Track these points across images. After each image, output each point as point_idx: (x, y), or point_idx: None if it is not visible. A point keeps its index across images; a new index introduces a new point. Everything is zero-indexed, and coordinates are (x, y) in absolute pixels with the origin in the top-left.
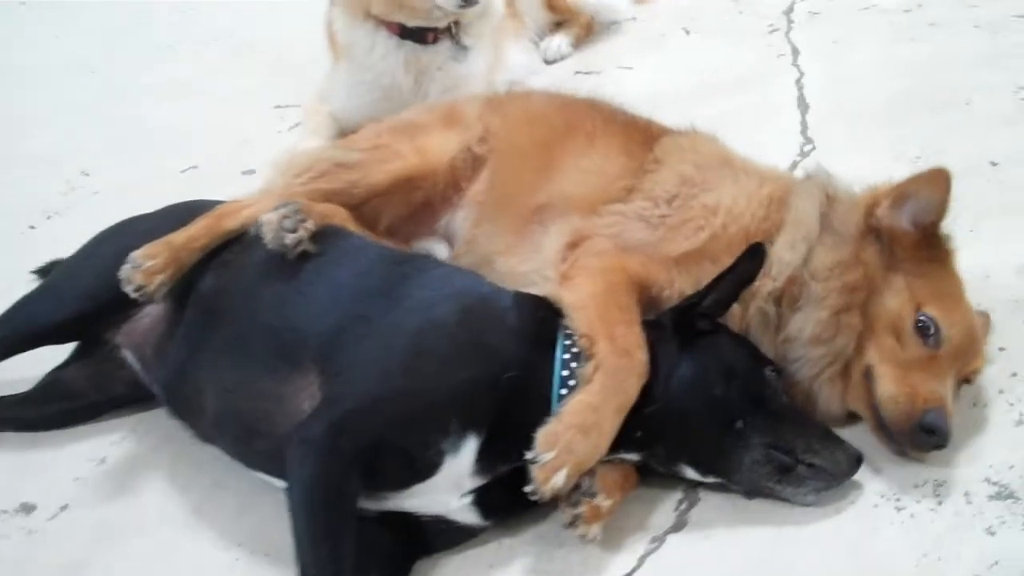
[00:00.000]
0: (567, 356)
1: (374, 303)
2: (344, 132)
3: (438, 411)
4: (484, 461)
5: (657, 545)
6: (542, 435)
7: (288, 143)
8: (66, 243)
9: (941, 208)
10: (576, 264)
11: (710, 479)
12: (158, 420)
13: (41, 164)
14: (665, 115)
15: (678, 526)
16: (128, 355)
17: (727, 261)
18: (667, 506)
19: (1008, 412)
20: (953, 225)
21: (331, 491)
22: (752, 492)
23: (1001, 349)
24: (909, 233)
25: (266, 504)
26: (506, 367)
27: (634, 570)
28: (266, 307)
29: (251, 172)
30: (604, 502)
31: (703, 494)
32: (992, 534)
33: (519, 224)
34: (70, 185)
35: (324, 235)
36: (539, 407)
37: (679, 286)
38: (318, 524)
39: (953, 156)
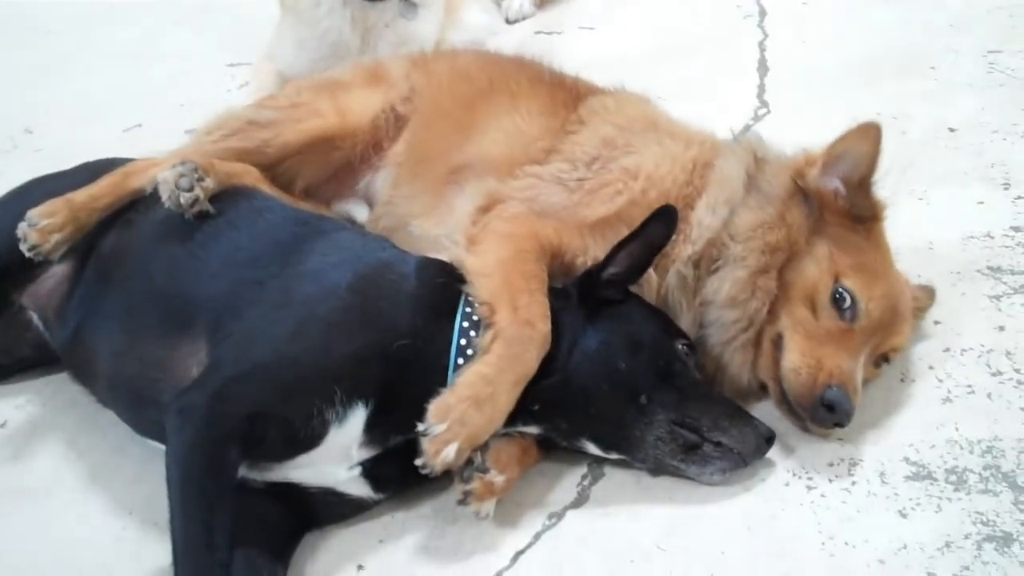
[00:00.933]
0: (467, 324)
1: (268, 267)
2: None
3: (322, 380)
4: (374, 432)
5: (555, 521)
6: (434, 406)
7: (235, 102)
8: None
9: (870, 162)
10: (485, 228)
11: (613, 455)
12: (64, 383)
13: None
14: (623, 77)
15: (578, 502)
16: (34, 316)
17: None
18: (569, 481)
19: (936, 389)
20: (903, 192)
21: (207, 461)
22: (657, 470)
23: (936, 323)
24: (840, 196)
25: (162, 472)
26: (398, 335)
27: (528, 547)
28: (160, 269)
29: (194, 131)
30: (497, 478)
31: (608, 470)
32: (904, 517)
33: (437, 186)
34: (13, 143)
35: (227, 196)
36: (435, 377)
37: (594, 253)
38: (192, 495)
39: (912, 121)
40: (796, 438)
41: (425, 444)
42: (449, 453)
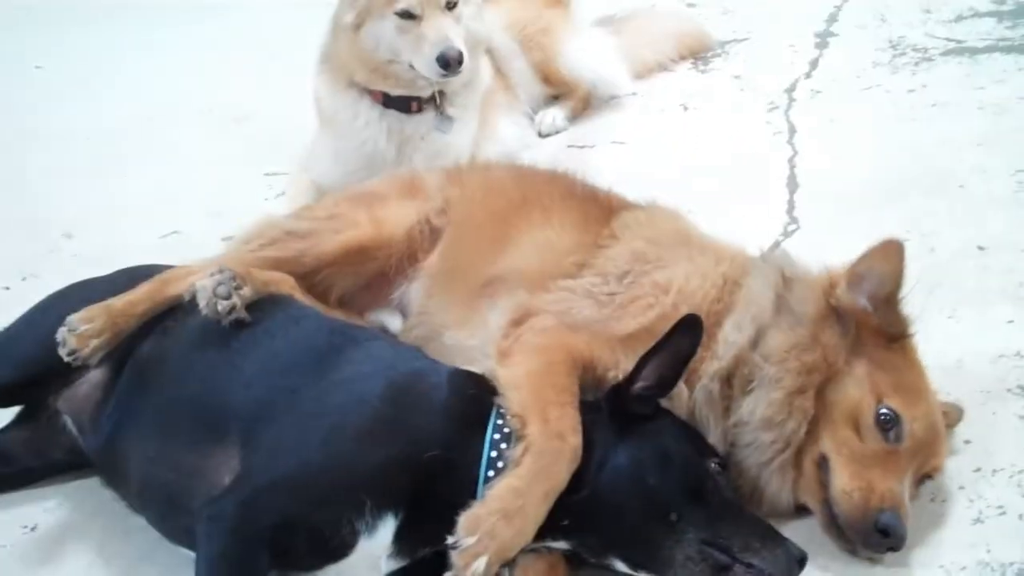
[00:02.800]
0: (498, 437)
1: (302, 376)
2: None
3: (352, 490)
4: (403, 543)
5: None
6: (464, 519)
7: (271, 211)
8: None
9: (895, 279)
10: (518, 341)
11: (642, 574)
12: (95, 488)
13: (26, 225)
14: (654, 191)
15: None
16: (68, 420)
17: None
18: None
19: (967, 509)
20: (932, 310)
21: (237, 569)
22: None
23: (967, 442)
24: (868, 312)
25: None
26: (429, 446)
27: None
28: (195, 376)
29: (231, 239)
30: None
31: None
32: None
33: (470, 297)
34: (51, 247)
35: (264, 304)
36: (465, 489)
37: (625, 367)
38: None
39: (941, 239)
40: (827, 558)
41: (455, 557)
42: (479, 567)
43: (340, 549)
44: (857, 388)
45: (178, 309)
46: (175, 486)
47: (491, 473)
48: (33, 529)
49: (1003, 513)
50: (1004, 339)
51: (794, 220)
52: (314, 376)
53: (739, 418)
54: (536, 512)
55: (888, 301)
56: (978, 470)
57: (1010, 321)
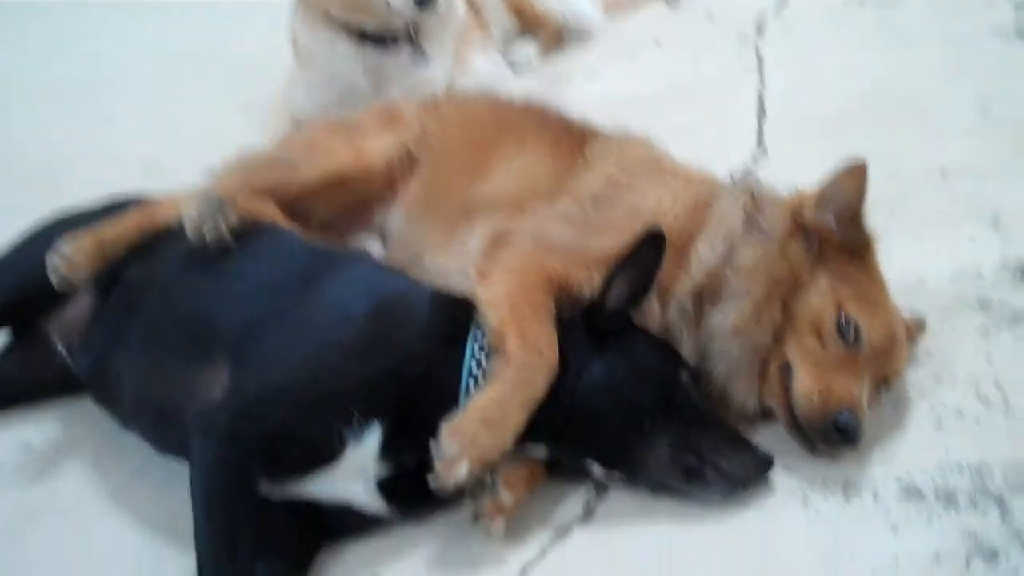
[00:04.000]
0: (478, 351)
1: (289, 296)
2: None
3: (339, 401)
4: (389, 450)
5: (561, 537)
6: (446, 427)
7: (251, 143)
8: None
9: (858, 198)
10: (496, 262)
11: (617, 476)
12: (88, 407)
13: (4, 159)
14: (625, 122)
15: (584, 518)
16: (58, 343)
17: None
18: (575, 498)
19: (928, 415)
20: (895, 230)
21: (231, 478)
22: (659, 490)
23: (928, 355)
24: (833, 230)
25: (183, 492)
26: (411, 361)
27: (536, 561)
28: (184, 299)
29: (212, 171)
30: (507, 498)
31: (612, 488)
32: (896, 532)
33: (449, 222)
34: (30, 181)
35: (249, 230)
36: (448, 399)
37: (598, 286)
38: (216, 510)
39: (905, 164)
40: (793, 459)
41: (438, 463)
42: (461, 472)
43: (329, 456)
44: (820, 298)
45: (165, 235)
46: (166, 403)
47: (472, 385)
48: (27, 447)
49: (961, 417)
50: (964, 257)
51: (762, 148)
52: (300, 296)
53: (709, 329)
54: (516, 421)
55: (852, 218)
56: (938, 379)
57: (971, 240)
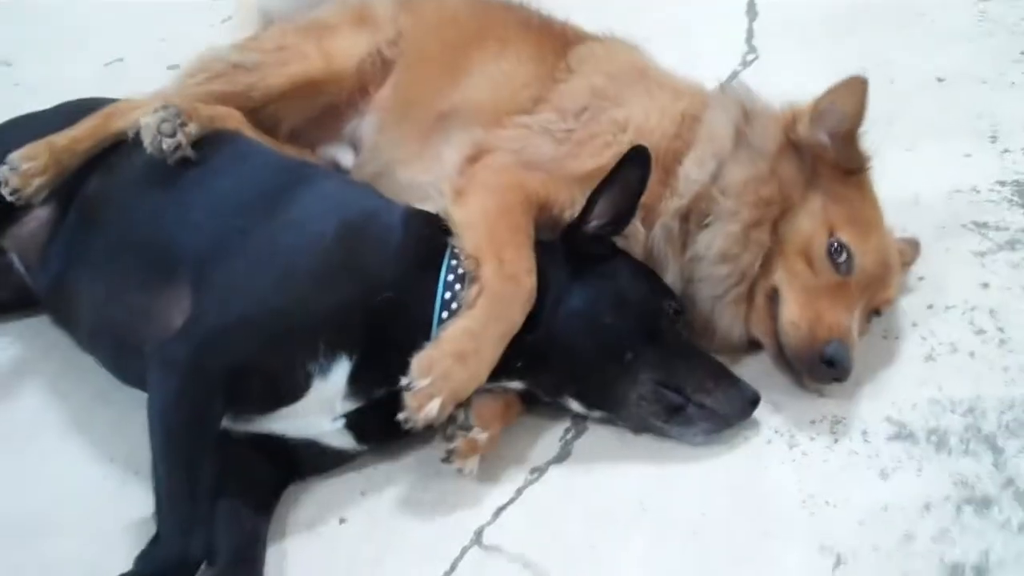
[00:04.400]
0: (452, 278)
1: (253, 215)
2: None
3: (305, 332)
4: (357, 384)
5: (537, 477)
6: (417, 361)
7: (218, 38)
8: None
9: (857, 116)
10: (472, 179)
11: (596, 413)
12: (46, 326)
13: None
14: (608, 20)
15: (560, 457)
16: (14, 259)
17: None
18: (552, 436)
19: (919, 346)
20: (889, 142)
21: (190, 414)
22: (639, 428)
23: (920, 279)
24: (828, 147)
25: (145, 420)
26: (382, 288)
27: (510, 502)
28: (143, 216)
29: (177, 67)
30: (480, 435)
31: (590, 426)
32: (885, 477)
33: (423, 132)
34: None
35: (211, 141)
36: (419, 330)
37: (581, 206)
38: (175, 447)
39: (900, 70)
40: (779, 395)
41: (408, 399)
42: (432, 408)
43: (294, 391)
44: (810, 221)
45: (123, 145)
46: (125, 328)
47: (445, 315)
48: None
49: (955, 351)
50: (960, 173)
51: (753, 49)
52: (264, 216)
53: (695, 252)
54: (490, 354)
55: (848, 137)
56: (930, 307)
57: (967, 155)
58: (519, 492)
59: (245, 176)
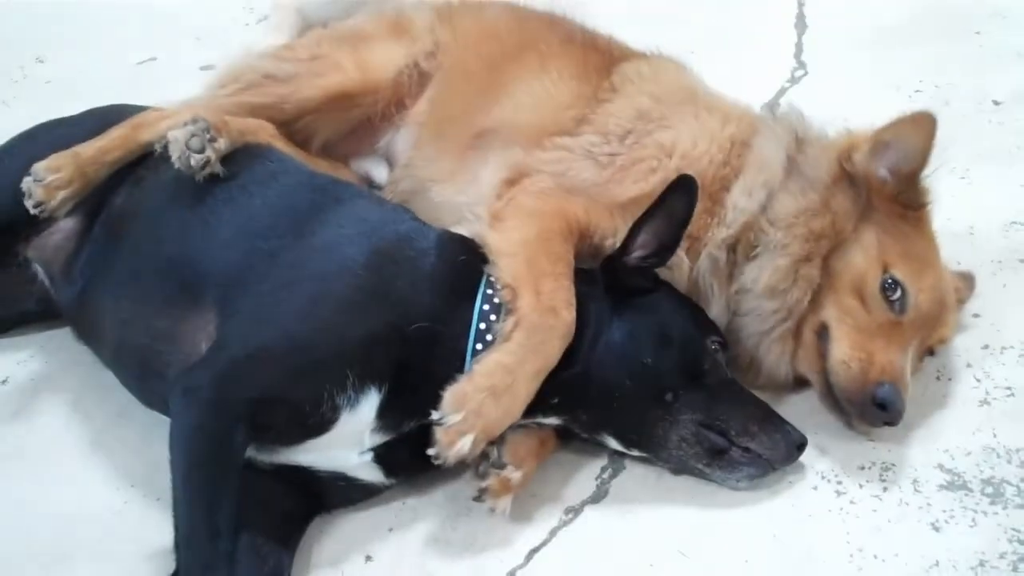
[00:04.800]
0: (487, 308)
1: (281, 238)
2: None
3: (334, 363)
4: (387, 417)
5: (572, 518)
6: (450, 395)
7: (253, 38)
8: (13, 133)
9: (923, 156)
10: (511, 204)
11: (635, 452)
12: (69, 340)
13: None
14: (648, 30)
15: (596, 497)
16: (39, 270)
17: None
18: (588, 475)
19: (973, 389)
20: (944, 169)
21: (212, 445)
22: (679, 470)
23: (975, 316)
24: (886, 182)
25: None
26: (415, 317)
27: (544, 544)
28: (169, 235)
29: (210, 68)
30: (514, 474)
31: (628, 464)
32: (937, 530)
33: (460, 150)
34: (23, 72)
35: (240, 156)
36: (452, 362)
37: (623, 235)
38: (196, 480)
39: (956, 91)
40: (827, 437)
41: (439, 434)
42: (464, 445)
43: (321, 424)
44: (863, 256)
45: (151, 157)
46: (149, 351)
47: (479, 346)
48: (5, 382)
49: (1011, 394)
50: (1018, 204)
51: (801, 65)
52: (294, 238)
53: (741, 285)
54: (526, 390)
55: (911, 177)
56: (986, 347)
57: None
58: (553, 533)
59: (275, 195)
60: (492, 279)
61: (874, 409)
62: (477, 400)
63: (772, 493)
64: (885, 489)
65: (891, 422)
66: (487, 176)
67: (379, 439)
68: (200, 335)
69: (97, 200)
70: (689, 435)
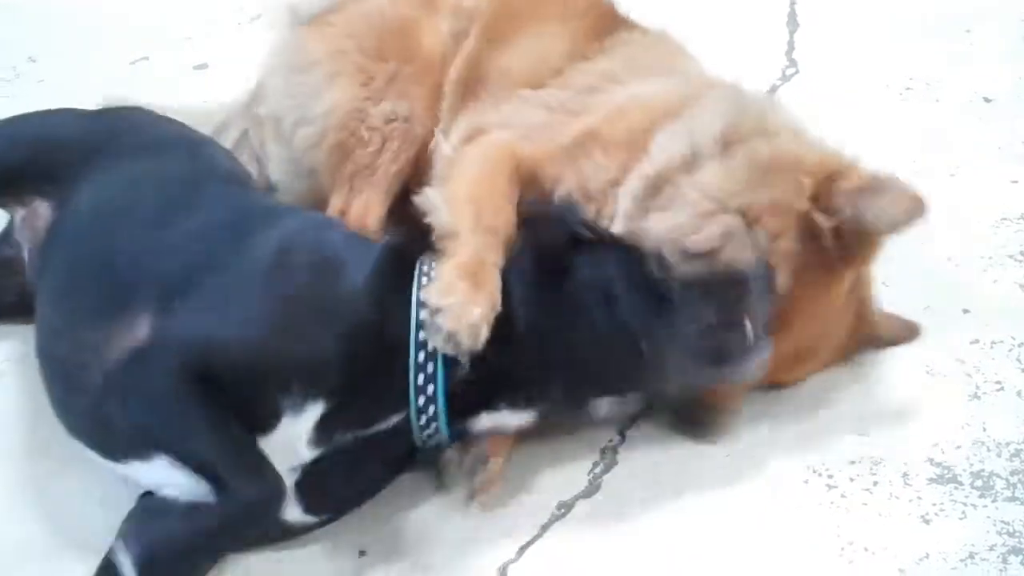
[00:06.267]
0: (425, 282)
1: (220, 252)
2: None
3: (274, 374)
4: (325, 426)
5: (564, 512)
6: (430, 291)
7: (247, 36)
8: None
9: (892, 229)
10: (458, 157)
11: (632, 407)
12: None
13: None
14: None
15: (589, 492)
16: (25, 247)
17: (618, 155)
18: (580, 468)
19: (964, 384)
20: (934, 166)
21: (188, 386)
22: (688, 403)
23: (965, 311)
24: (838, 232)
25: None
26: (352, 318)
27: (536, 539)
28: (109, 239)
29: (204, 67)
30: (495, 465)
31: (621, 458)
32: (927, 523)
33: (458, 102)
34: (15, 71)
35: (190, 177)
36: (396, 356)
37: (567, 181)
38: (187, 413)
39: (946, 89)
40: (817, 432)
41: (442, 320)
42: (473, 315)
43: (263, 424)
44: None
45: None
46: (73, 362)
47: (422, 335)
48: None
49: (1001, 389)
50: (1007, 201)
51: (793, 63)
52: (233, 252)
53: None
54: (493, 276)
55: (870, 243)
56: (975, 342)
57: (1014, 181)
58: (545, 528)
59: (219, 206)
60: (425, 263)
61: None
62: (462, 287)
63: (763, 486)
64: (875, 483)
65: None
66: (452, 138)
67: (310, 454)
68: (126, 344)
69: (70, 183)
70: (690, 344)
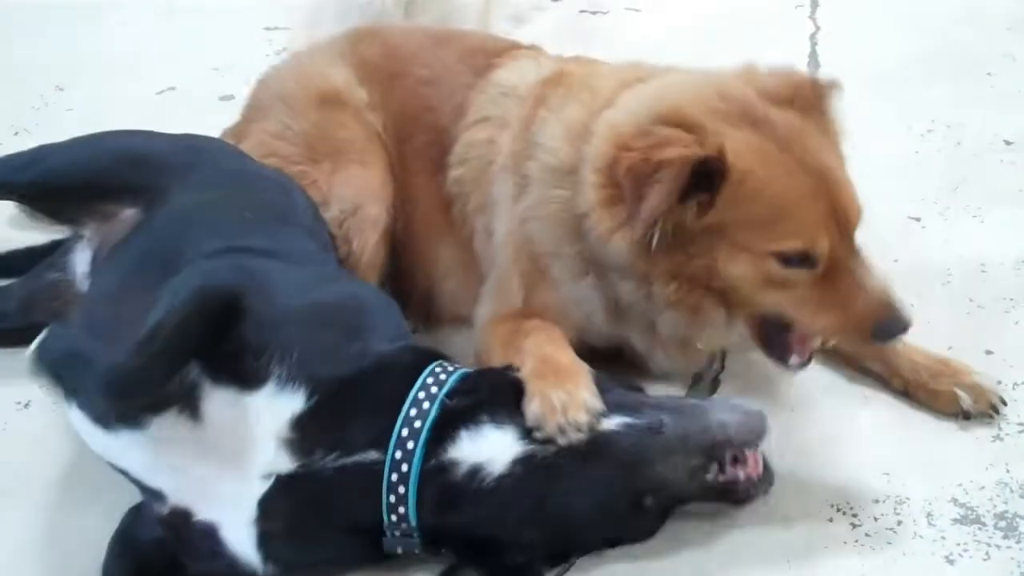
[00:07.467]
0: (422, 395)
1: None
2: None
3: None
4: (302, 429)
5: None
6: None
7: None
8: None
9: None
10: None
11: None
12: None
13: (16, 77)
14: (666, 61)
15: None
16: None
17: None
18: None
19: (988, 426)
20: (956, 208)
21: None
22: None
23: (988, 352)
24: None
25: None
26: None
27: None
28: (188, 234)
29: (229, 98)
30: None
31: None
32: (951, 563)
33: None
34: (43, 100)
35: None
36: (387, 394)
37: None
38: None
39: (967, 132)
40: (842, 471)
41: (544, 421)
42: (582, 403)
43: (251, 376)
44: (742, 265)
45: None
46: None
47: (405, 431)
48: (27, 406)
49: None
50: None
51: None
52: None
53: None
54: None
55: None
56: (999, 383)
57: None
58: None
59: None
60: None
61: (883, 339)
62: (545, 385)
63: (787, 524)
64: (899, 522)
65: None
66: None
67: (284, 462)
68: None
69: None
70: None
